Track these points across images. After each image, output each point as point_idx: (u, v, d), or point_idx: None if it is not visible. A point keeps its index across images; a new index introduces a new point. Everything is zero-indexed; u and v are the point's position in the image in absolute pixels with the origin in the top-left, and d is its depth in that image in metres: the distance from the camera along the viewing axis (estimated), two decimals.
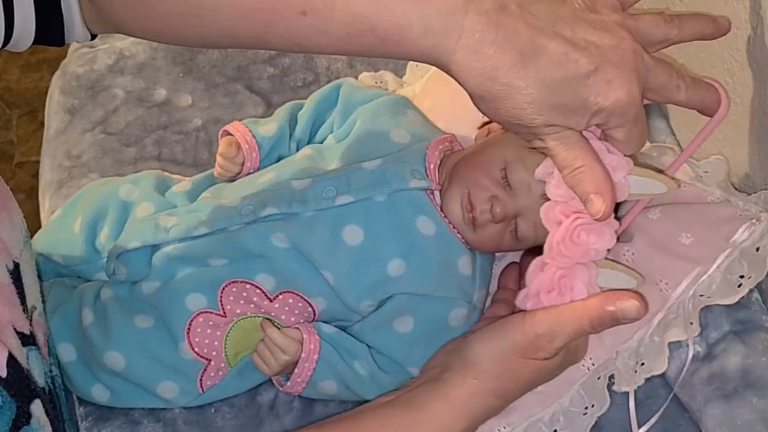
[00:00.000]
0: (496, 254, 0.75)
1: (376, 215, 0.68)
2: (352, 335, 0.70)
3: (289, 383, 0.68)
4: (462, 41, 0.52)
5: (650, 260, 0.69)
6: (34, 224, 0.74)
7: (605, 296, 0.58)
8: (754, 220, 0.68)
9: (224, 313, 0.70)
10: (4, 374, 0.51)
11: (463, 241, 0.70)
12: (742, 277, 0.67)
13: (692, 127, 0.80)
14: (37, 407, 0.54)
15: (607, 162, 0.57)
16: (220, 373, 0.71)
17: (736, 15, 0.69)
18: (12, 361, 0.53)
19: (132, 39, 1.04)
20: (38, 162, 0.98)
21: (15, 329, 0.57)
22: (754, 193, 0.72)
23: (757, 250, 0.67)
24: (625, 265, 0.63)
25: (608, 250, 0.59)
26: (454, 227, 0.70)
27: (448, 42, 0.53)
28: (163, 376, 0.70)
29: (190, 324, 0.70)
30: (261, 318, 0.70)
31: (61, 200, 0.85)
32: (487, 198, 0.68)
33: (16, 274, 0.61)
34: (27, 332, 0.59)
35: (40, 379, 0.58)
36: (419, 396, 0.62)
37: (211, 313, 0.70)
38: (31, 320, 0.62)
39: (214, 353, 0.71)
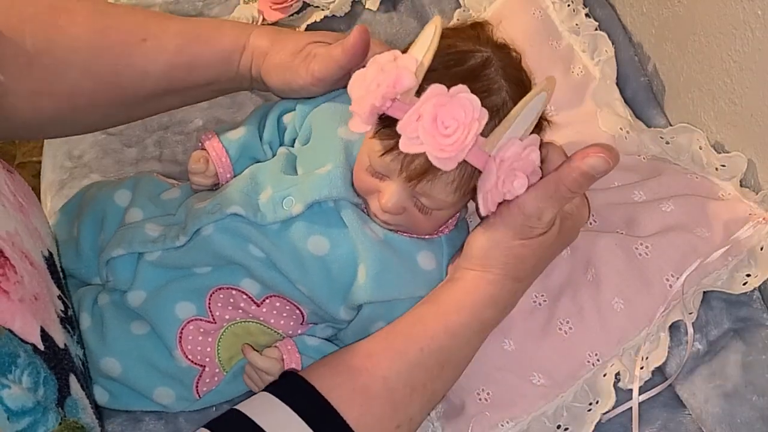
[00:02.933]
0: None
1: (334, 223, 0.68)
2: (339, 339, 0.71)
3: None
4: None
5: (664, 255, 0.69)
6: None
7: (575, 158, 0.61)
8: (761, 219, 0.68)
9: (214, 319, 0.71)
10: (41, 347, 0.54)
11: (414, 236, 0.70)
12: (748, 275, 0.68)
13: (684, 115, 0.80)
14: (73, 381, 0.56)
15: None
16: (216, 378, 0.72)
17: (735, 16, 0.69)
18: (45, 335, 0.55)
19: None
20: (40, 162, 0.98)
21: (55, 309, 0.59)
22: (752, 192, 0.72)
23: (762, 249, 0.68)
24: (529, 93, 0.62)
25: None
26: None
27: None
28: (159, 382, 0.71)
29: (181, 332, 0.70)
30: (251, 323, 0.71)
31: (62, 201, 0.85)
32: (376, 200, 0.67)
33: (51, 261, 0.64)
34: (64, 314, 0.62)
35: (75, 357, 0.60)
36: (441, 294, 0.66)
37: (200, 320, 0.70)
38: (71, 303, 0.65)
39: (207, 359, 0.71)
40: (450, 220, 0.71)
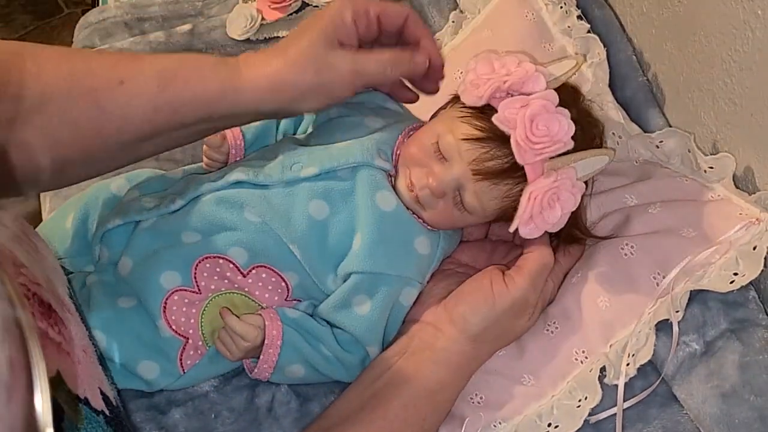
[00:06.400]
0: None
1: (340, 190, 0.70)
2: (317, 314, 0.71)
3: (256, 369, 0.69)
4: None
5: (649, 254, 0.70)
6: (35, 225, 0.74)
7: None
8: (753, 220, 0.68)
9: (199, 289, 0.71)
10: (107, 411, 0.52)
11: (421, 221, 0.71)
12: (735, 274, 0.68)
13: (684, 115, 0.80)
14: None
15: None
16: (199, 351, 0.72)
17: (735, 15, 0.69)
18: (105, 397, 0.54)
19: (132, 39, 1.04)
20: None
21: (97, 356, 0.58)
22: (753, 192, 0.72)
23: (754, 249, 0.67)
24: (596, 148, 0.68)
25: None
26: (409, 208, 0.71)
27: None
28: (144, 355, 0.71)
29: (165, 302, 0.70)
30: (236, 294, 0.71)
31: (61, 200, 0.86)
32: (424, 174, 0.69)
33: (73, 297, 0.62)
34: (97, 354, 0.60)
35: (120, 406, 0.59)
36: (426, 366, 0.68)
37: (185, 290, 0.71)
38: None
39: (191, 331, 0.71)
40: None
